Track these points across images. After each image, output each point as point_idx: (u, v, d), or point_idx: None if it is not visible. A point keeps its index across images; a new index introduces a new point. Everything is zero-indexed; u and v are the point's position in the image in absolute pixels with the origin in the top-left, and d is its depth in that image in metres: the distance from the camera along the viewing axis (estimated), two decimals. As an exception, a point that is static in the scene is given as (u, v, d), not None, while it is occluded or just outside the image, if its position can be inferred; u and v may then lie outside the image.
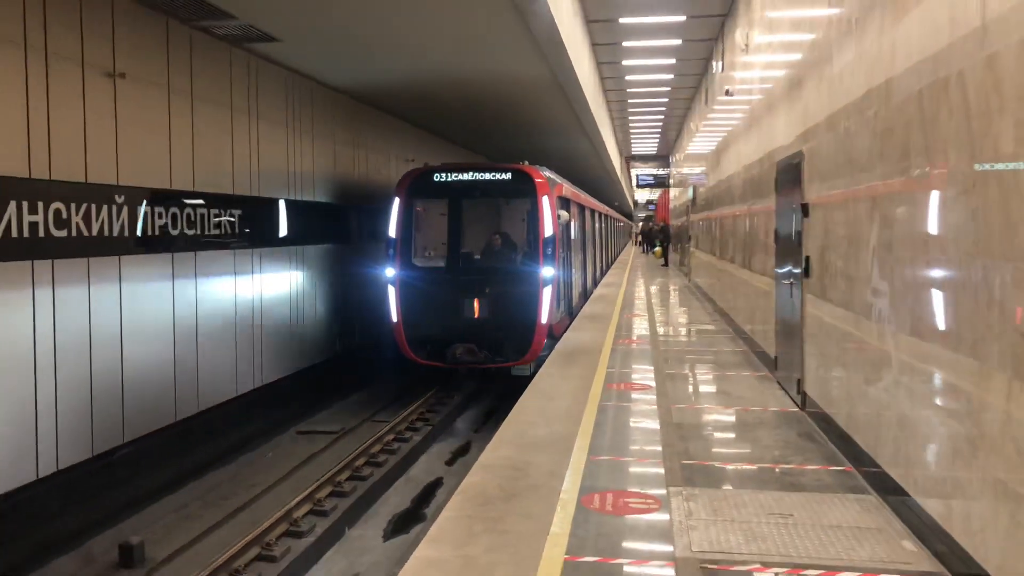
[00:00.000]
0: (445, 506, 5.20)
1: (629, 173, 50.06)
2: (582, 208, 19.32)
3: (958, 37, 4.01)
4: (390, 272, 13.05)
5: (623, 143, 38.82)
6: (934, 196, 4.33)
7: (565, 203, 15.02)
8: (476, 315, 12.68)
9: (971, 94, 3.86)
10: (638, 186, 39.87)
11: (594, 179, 39.01)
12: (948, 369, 4.12)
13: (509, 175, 13.19)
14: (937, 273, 4.28)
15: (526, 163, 13.60)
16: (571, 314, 15.63)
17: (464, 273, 13.22)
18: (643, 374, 9.60)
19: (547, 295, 12.59)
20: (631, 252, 51.42)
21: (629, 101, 26.44)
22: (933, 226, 4.34)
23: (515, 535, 4.66)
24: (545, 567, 4.24)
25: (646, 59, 19.97)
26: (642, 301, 18.79)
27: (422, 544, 4.57)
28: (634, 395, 8.45)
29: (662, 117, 29.89)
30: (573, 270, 16.35)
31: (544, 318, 12.55)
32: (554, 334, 12.87)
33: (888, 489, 5.09)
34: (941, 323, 4.21)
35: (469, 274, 13.23)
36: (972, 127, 3.85)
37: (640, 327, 13.93)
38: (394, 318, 12.98)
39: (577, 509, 5.08)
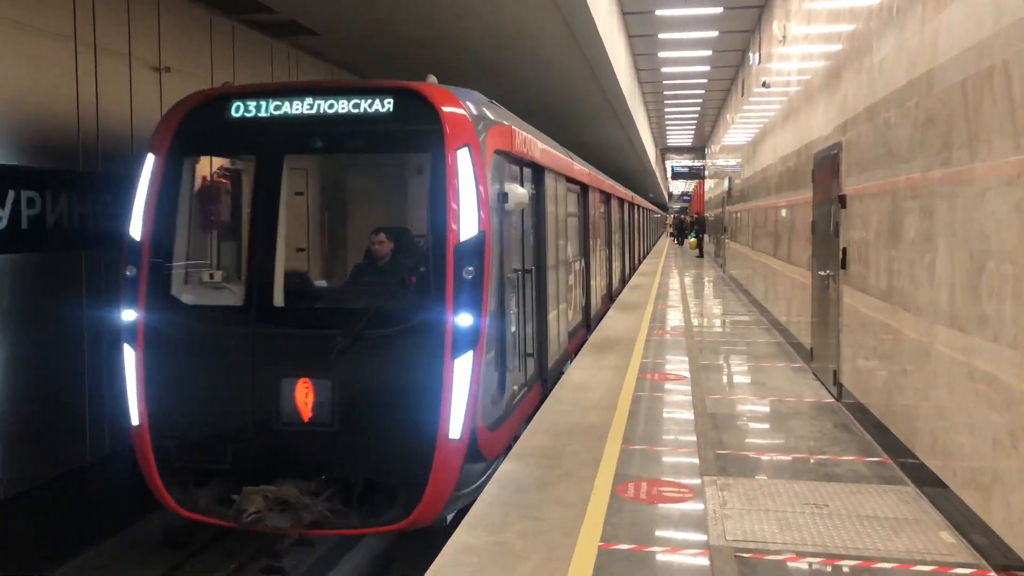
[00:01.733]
0: (481, 493, 5.27)
1: (664, 165, 49.81)
2: (584, 189, 12.15)
3: (1003, 26, 3.97)
4: (129, 316, 6.11)
5: (658, 135, 38.63)
6: (977, 187, 4.29)
7: (533, 171, 8.17)
8: (304, 416, 5.81)
9: (1016, 83, 3.82)
10: (673, 177, 39.62)
11: (629, 170, 38.89)
12: (988, 360, 4.09)
13: (388, 103, 6.04)
14: (979, 265, 4.24)
15: (433, 79, 6.45)
16: (544, 382, 8.38)
17: (280, 320, 6.05)
18: (677, 364, 9.59)
19: (465, 371, 5.66)
20: (665, 244, 51.19)
21: (665, 93, 26.31)
22: (975, 217, 4.30)
23: (549, 522, 4.71)
24: (579, 554, 4.29)
25: (682, 51, 19.87)
26: (676, 292, 18.73)
27: (458, 530, 4.64)
28: (668, 385, 8.45)
29: (698, 109, 29.70)
30: (547, 305, 8.53)
31: (457, 426, 5.60)
32: (482, 453, 5.93)
33: (926, 480, 5.06)
34: (982, 315, 4.18)
35: (290, 323, 6.10)
36: (1017, 117, 3.81)
37: (674, 317, 13.90)
38: (134, 417, 6.08)
39: (611, 497, 5.12)
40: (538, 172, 8.37)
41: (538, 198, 8.41)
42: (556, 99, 17.66)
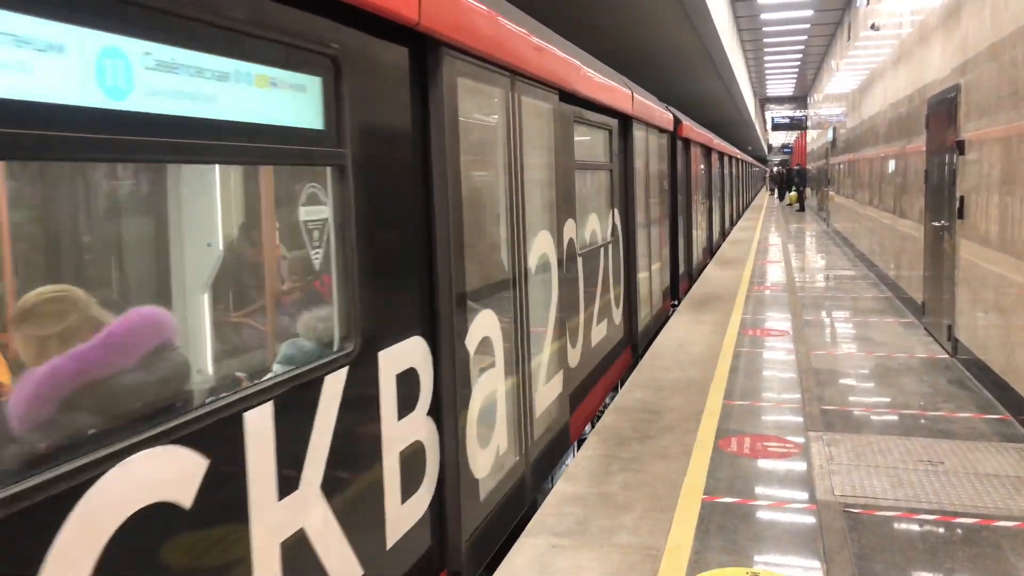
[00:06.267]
0: (582, 445, 5.30)
1: (763, 116, 48.24)
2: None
3: None
4: None
5: (757, 85, 37.38)
6: (1114, 126, 4.00)
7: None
8: None
9: None
10: (773, 129, 38.32)
11: (726, 122, 37.84)
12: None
13: None
14: (1115, 209, 3.97)
15: None
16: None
17: None
18: (779, 320, 9.37)
19: None
20: (764, 199, 49.71)
21: (765, 40, 25.39)
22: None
23: (651, 475, 4.71)
24: (683, 505, 4.27)
25: (784, -6, 19.10)
26: (777, 247, 18.23)
27: (560, 480, 4.68)
28: (770, 341, 8.27)
29: (800, 56, 28.57)
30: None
31: None
32: None
33: (1050, 439, 4.82)
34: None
35: None
36: None
37: (775, 273, 13.55)
38: None
39: (714, 451, 5.07)
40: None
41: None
42: (651, 51, 17.27)
